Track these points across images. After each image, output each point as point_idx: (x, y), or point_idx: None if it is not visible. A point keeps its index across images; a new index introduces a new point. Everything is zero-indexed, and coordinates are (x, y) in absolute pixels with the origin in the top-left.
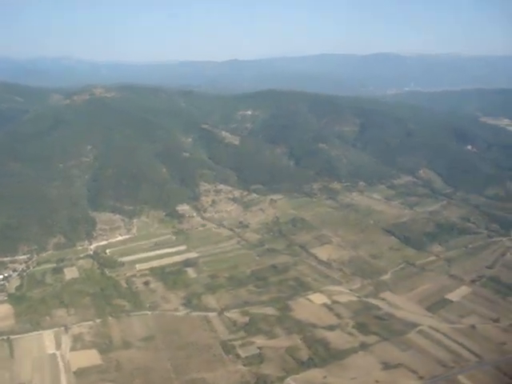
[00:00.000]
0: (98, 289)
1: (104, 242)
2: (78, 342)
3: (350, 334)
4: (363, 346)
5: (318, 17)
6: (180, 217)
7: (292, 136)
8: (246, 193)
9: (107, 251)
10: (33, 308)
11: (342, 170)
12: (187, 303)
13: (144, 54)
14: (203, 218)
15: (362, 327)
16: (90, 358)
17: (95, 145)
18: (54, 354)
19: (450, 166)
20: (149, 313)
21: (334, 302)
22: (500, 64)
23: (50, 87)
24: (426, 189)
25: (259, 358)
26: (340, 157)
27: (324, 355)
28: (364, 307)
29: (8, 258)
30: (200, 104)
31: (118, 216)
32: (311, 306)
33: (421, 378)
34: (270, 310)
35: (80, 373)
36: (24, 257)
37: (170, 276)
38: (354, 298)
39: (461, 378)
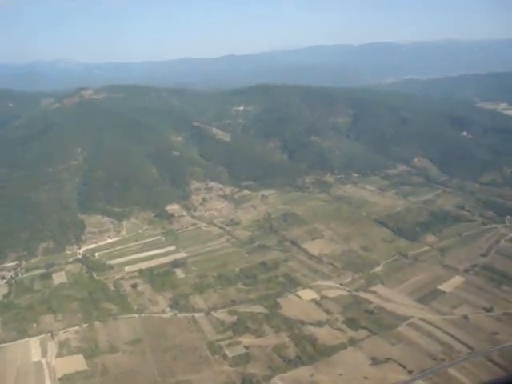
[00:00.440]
0: (85, 293)
1: (93, 246)
2: (64, 348)
3: (339, 329)
4: (352, 342)
5: (313, 8)
6: (170, 217)
7: (285, 130)
8: (237, 189)
9: (96, 254)
10: (20, 315)
11: (335, 162)
12: (174, 304)
13: (142, 53)
14: (193, 217)
15: (351, 322)
16: (75, 363)
17: (85, 147)
18: (39, 362)
19: (446, 153)
20: (136, 316)
21: (324, 297)
22: (494, 48)
23: (45, 91)
24: (420, 178)
25: (246, 358)
26: (333, 149)
27: (312, 352)
28: (354, 301)
29: None
30: (194, 101)
31: (107, 218)
32: (300, 303)
33: (410, 372)
34: (258, 308)
35: (65, 379)
36: (13, 264)
37: (158, 277)
38: (344, 293)
39: (451, 370)
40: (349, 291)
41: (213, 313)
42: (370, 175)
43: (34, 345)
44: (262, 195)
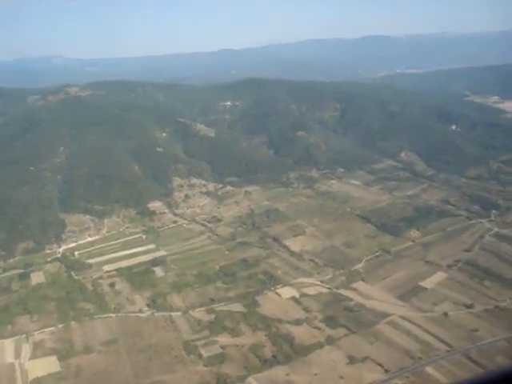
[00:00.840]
0: (63, 293)
1: (73, 244)
2: (38, 350)
3: (317, 327)
4: (330, 341)
5: (310, 2)
6: (151, 214)
7: (272, 125)
8: (220, 186)
9: (76, 253)
10: None
11: (321, 157)
12: (152, 304)
13: (138, 48)
14: (175, 215)
15: (330, 320)
16: (49, 365)
17: (67, 145)
18: (12, 364)
19: (433, 147)
20: (113, 315)
21: (303, 294)
22: (488, 41)
23: (35, 88)
24: (406, 172)
25: (221, 358)
26: (319, 144)
27: (288, 352)
28: (334, 299)
29: None
30: (182, 97)
31: (88, 217)
32: (279, 301)
33: (387, 371)
34: (236, 307)
35: (37, 381)
36: None
37: (137, 276)
38: (325, 290)
39: (428, 369)
40: (329, 288)
41: (190, 312)
42: (356, 170)
43: (7, 347)
44: (246, 191)
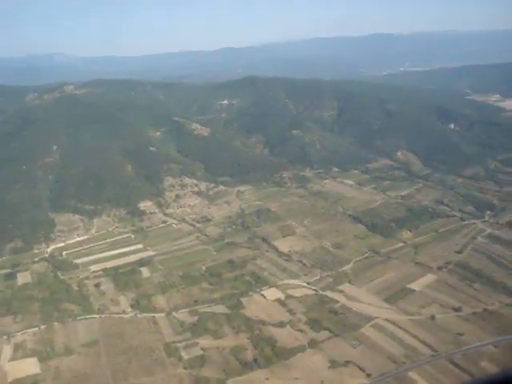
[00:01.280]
0: (48, 293)
1: (61, 244)
2: (19, 351)
3: (301, 330)
4: (312, 344)
5: (313, 0)
6: (141, 214)
7: (269, 124)
8: (212, 185)
9: (64, 253)
10: None
11: (316, 157)
12: (136, 305)
13: (141, 46)
14: (165, 214)
15: (313, 323)
16: (28, 367)
17: (61, 144)
18: None
19: (430, 146)
20: (96, 316)
21: (289, 296)
22: (494, 39)
23: (35, 85)
24: (402, 171)
25: (201, 360)
26: (314, 143)
27: (270, 355)
28: (319, 301)
29: None
30: (179, 95)
31: (77, 216)
32: (264, 302)
33: (369, 375)
34: (220, 309)
35: (16, 383)
36: None
37: (123, 277)
38: (310, 292)
39: (411, 374)
40: (315, 290)
41: (174, 313)
42: (351, 169)
43: None
44: (238, 191)
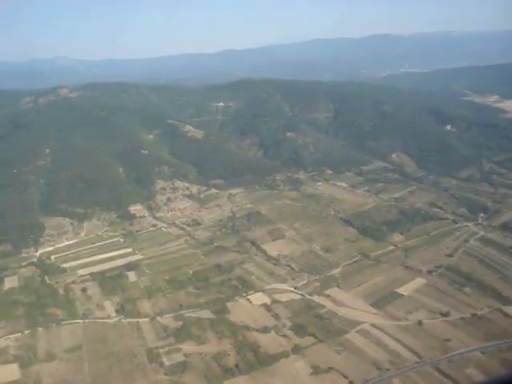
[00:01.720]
0: (34, 298)
1: (50, 248)
2: (0, 357)
3: (285, 336)
4: (296, 350)
5: (314, 2)
6: (132, 218)
7: (263, 126)
8: (204, 188)
9: (52, 257)
10: None
11: (309, 159)
12: (121, 309)
13: (142, 49)
14: (155, 218)
15: (298, 328)
16: (8, 373)
17: (53, 148)
18: None
19: (425, 148)
20: (80, 321)
21: (275, 301)
22: (494, 39)
23: (32, 89)
24: (396, 174)
25: (183, 366)
26: (308, 145)
27: (252, 361)
28: (305, 306)
29: None
30: (174, 98)
31: (67, 220)
32: (249, 307)
33: (351, 382)
34: (205, 313)
35: None
36: None
37: (110, 281)
38: (297, 297)
39: (395, 381)
40: (302, 295)
41: (158, 318)
42: (345, 172)
43: None
44: (230, 194)
